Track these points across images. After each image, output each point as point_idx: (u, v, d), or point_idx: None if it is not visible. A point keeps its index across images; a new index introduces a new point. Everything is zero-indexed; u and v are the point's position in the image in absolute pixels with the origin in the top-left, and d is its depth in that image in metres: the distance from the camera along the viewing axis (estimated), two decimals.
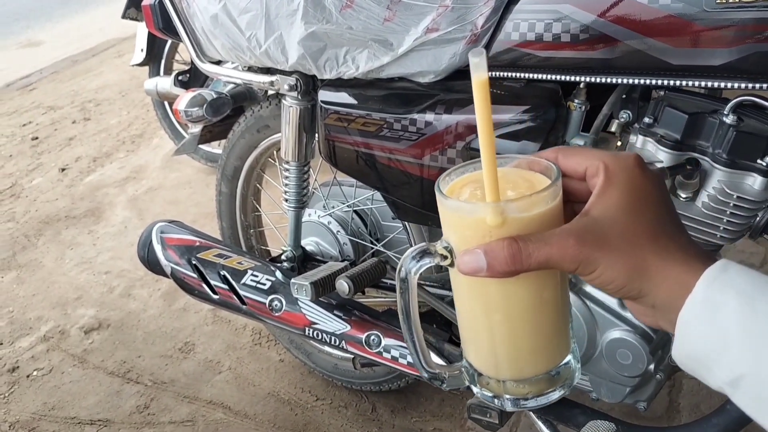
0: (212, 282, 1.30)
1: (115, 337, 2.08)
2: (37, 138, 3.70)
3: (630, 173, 0.47)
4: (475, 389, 0.55)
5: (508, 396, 0.53)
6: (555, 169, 0.49)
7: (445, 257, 0.50)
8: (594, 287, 0.54)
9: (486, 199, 0.47)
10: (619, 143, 0.98)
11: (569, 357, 0.54)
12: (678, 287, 0.44)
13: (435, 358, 1.16)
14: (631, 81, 0.86)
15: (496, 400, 0.54)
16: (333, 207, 1.54)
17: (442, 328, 1.23)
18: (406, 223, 1.36)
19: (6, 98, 4.45)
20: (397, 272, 0.52)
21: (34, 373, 1.97)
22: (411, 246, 1.39)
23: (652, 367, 1.02)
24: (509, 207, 0.46)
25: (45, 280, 2.44)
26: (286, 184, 1.40)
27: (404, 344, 1.18)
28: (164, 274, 1.36)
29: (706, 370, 0.44)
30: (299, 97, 1.28)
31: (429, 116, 1.05)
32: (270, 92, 1.46)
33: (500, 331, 0.51)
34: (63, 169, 3.29)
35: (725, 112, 0.83)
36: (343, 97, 1.16)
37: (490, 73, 1.00)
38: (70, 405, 1.83)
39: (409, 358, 1.15)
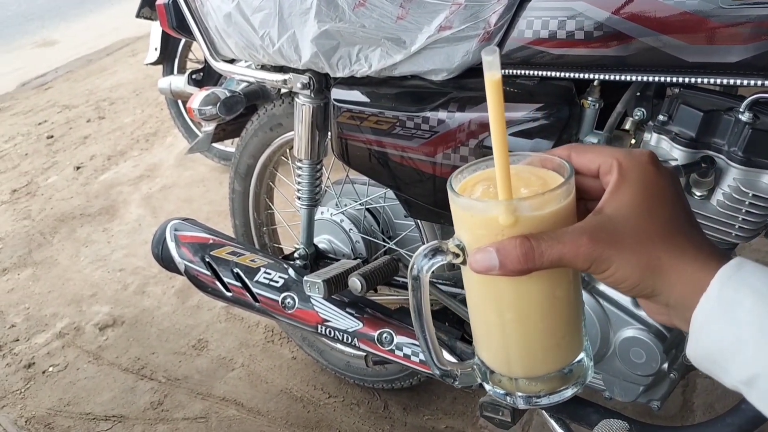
0: (225, 279, 1.31)
1: (129, 334, 2.10)
2: (52, 136, 3.74)
3: (644, 170, 0.47)
4: (487, 387, 0.55)
5: (520, 393, 0.53)
6: (568, 166, 0.48)
7: (457, 255, 0.50)
8: (607, 286, 0.54)
9: (498, 197, 0.47)
10: (633, 141, 0.98)
11: (582, 355, 0.53)
12: (692, 285, 0.44)
13: (447, 356, 1.16)
14: (645, 78, 0.86)
15: (508, 398, 0.54)
16: (345, 205, 1.54)
17: (454, 326, 1.23)
18: (418, 221, 1.36)
19: (22, 97, 4.49)
20: (409, 270, 0.52)
21: (50, 369, 1.99)
22: (423, 244, 1.40)
23: (665, 366, 1.01)
24: (522, 205, 0.46)
25: (60, 277, 2.46)
26: (299, 182, 1.40)
27: (416, 342, 1.18)
28: (178, 272, 1.37)
29: (721, 369, 0.43)
30: (312, 95, 1.29)
31: (442, 114, 1.05)
32: (283, 91, 1.47)
33: (512, 330, 0.51)
34: (78, 168, 3.31)
35: (741, 110, 0.83)
36: (356, 95, 1.17)
37: (503, 71, 1.00)
38: (85, 401, 1.85)
39: (422, 356, 1.15)
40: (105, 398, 1.85)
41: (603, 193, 0.48)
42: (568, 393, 0.53)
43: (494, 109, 0.46)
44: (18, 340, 2.14)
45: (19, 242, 2.72)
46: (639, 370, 1.03)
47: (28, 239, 2.74)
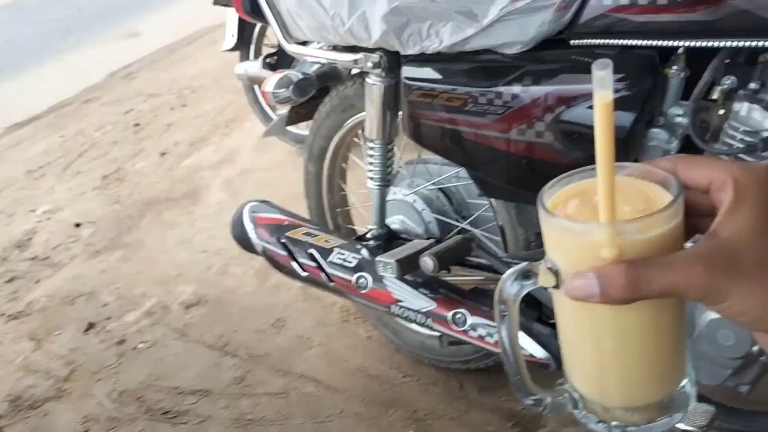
0: (301, 260, 1.33)
1: (213, 313, 2.18)
2: (138, 124, 3.90)
3: (764, 188, 0.41)
4: (577, 414, 0.51)
5: (615, 423, 0.48)
6: (676, 183, 0.43)
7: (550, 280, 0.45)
8: (724, 318, 0.47)
9: (600, 218, 0.42)
10: (721, 111, 0.92)
11: (685, 381, 0.48)
12: None
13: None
14: (735, 44, 0.80)
15: (601, 426, 0.49)
16: (418, 185, 1.53)
17: (529, 306, 1.21)
18: (492, 200, 1.33)
19: (110, 87, 4.70)
20: (496, 295, 0.47)
21: (140, 345, 2.10)
22: (497, 223, 1.37)
23: (756, 348, 0.96)
24: (626, 228, 0.41)
25: (148, 258, 2.58)
26: (371, 163, 1.41)
27: (492, 323, 1.16)
28: (256, 252, 1.40)
29: None
30: (383, 74, 1.28)
31: (516, 89, 1.02)
32: (354, 71, 1.47)
33: (610, 360, 0.46)
34: (163, 154, 3.45)
35: None
36: (427, 72, 1.15)
37: (581, 41, 0.96)
38: (173, 376, 1.94)
39: (496, 337, 1.14)
40: (191, 373, 1.93)
41: (712, 209, 0.42)
42: (670, 423, 0.48)
43: (603, 134, 0.40)
44: (110, 318, 2.26)
45: (110, 225, 2.87)
46: (727, 353, 0.98)
47: (118, 222, 2.88)
